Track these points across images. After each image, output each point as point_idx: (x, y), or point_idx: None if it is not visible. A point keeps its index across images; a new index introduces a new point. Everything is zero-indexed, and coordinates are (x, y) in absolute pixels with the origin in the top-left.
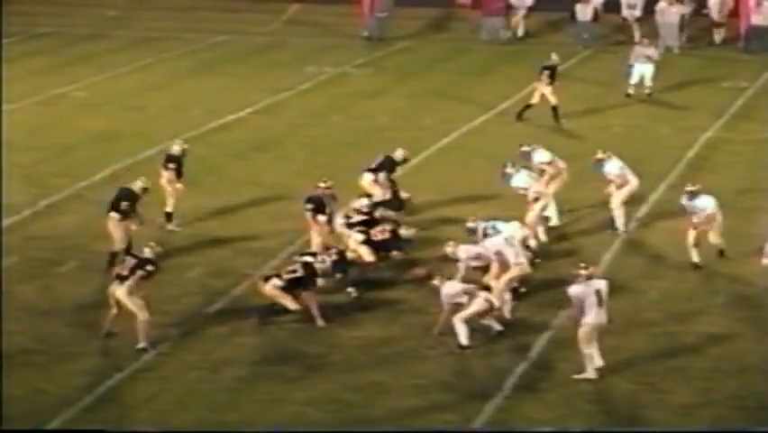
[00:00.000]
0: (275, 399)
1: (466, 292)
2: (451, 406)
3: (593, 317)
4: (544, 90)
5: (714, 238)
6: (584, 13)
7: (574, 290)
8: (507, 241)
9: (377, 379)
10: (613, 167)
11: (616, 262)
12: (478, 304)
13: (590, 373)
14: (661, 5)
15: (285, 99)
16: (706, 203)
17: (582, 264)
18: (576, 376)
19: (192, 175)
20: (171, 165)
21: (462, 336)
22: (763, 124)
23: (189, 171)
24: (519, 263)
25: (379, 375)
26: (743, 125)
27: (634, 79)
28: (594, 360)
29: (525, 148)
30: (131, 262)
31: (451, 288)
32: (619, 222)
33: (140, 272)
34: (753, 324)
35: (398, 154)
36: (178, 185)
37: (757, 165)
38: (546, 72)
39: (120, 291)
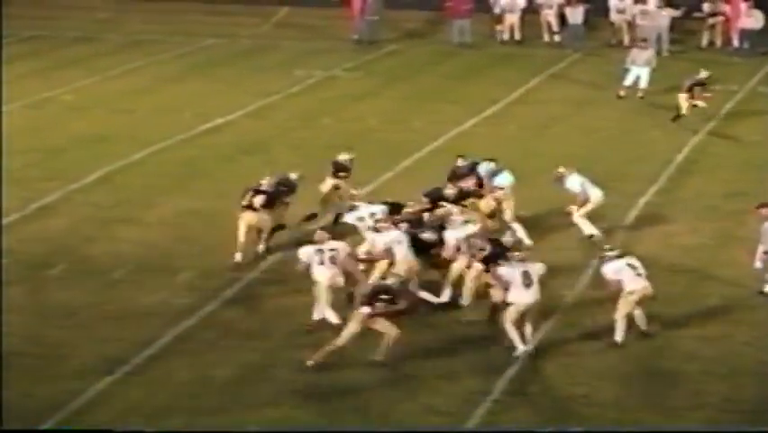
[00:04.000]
0: (264, 402)
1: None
2: (441, 409)
3: (516, 296)
4: (691, 101)
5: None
6: (575, 16)
7: (502, 270)
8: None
9: (367, 382)
10: (573, 183)
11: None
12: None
13: (519, 351)
14: (649, 8)
15: (274, 102)
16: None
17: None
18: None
19: (181, 178)
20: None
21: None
22: (752, 128)
23: (179, 174)
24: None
25: (369, 378)
26: (732, 129)
27: (628, 82)
28: (524, 339)
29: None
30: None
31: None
32: (588, 229)
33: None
34: (744, 327)
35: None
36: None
37: (746, 168)
38: (696, 87)
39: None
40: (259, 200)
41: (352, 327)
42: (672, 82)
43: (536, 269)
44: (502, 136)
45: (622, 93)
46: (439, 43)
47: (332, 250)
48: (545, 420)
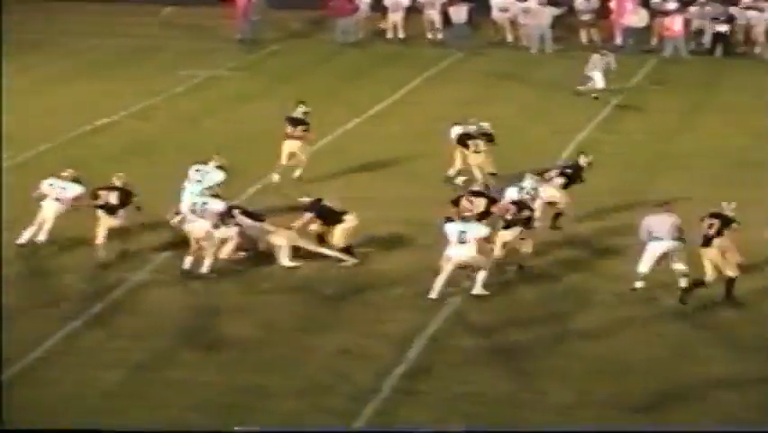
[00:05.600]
0: (156, 403)
1: None
2: (330, 409)
3: (449, 250)
4: None
5: None
6: (458, 15)
7: (446, 227)
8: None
9: (258, 382)
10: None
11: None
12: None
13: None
14: (532, 6)
15: (159, 103)
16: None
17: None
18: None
19: None
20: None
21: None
22: (636, 125)
23: None
24: None
25: (259, 378)
26: (616, 126)
27: (600, 84)
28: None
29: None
30: None
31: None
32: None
33: None
34: (629, 324)
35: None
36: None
37: (632, 165)
38: None
39: None
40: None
41: None
42: (556, 80)
43: (474, 229)
44: (386, 136)
45: (598, 91)
46: (323, 43)
47: (62, 188)
48: (434, 419)
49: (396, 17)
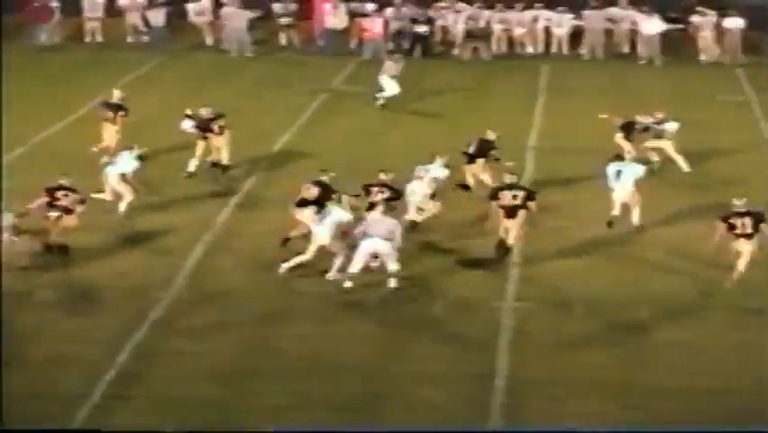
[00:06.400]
0: None
1: None
2: (40, 415)
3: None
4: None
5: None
6: (156, 18)
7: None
8: None
9: None
10: None
11: (201, 267)
12: None
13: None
14: (227, 10)
15: None
16: None
17: None
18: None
19: None
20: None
21: None
22: (337, 128)
23: None
24: None
25: None
26: (318, 129)
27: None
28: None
29: None
30: None
31: None
32: None
33: None
34: (340, 324)
35: None
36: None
37: (334, 167)
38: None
39: None
40: None
41: None
42: (255, 83)
43: (336, 214)
44: (91, 141)
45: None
46: (19, 48)
47: None
48: (147, 423)
49: (94, 21)
